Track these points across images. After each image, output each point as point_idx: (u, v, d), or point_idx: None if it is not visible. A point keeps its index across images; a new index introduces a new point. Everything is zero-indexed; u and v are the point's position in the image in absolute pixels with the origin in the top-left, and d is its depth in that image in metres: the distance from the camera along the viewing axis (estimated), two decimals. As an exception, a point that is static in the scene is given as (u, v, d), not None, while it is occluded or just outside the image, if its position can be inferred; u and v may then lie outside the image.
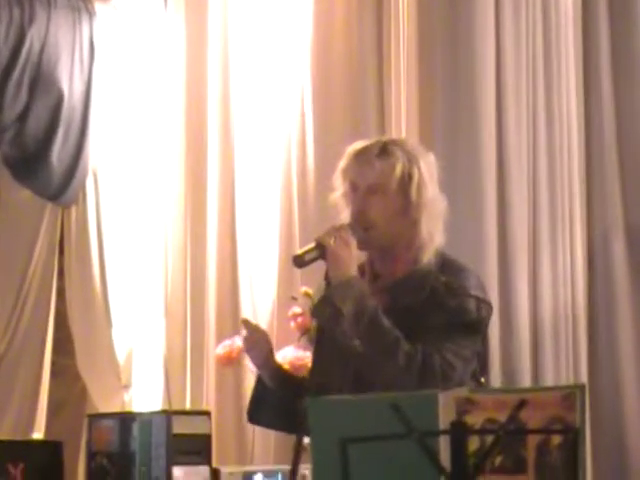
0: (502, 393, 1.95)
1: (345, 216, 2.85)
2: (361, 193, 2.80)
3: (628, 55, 4.21)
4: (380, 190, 2.78)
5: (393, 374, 2.65)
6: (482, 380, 2.84)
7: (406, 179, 2.78)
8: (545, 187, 4.21)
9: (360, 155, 2.81)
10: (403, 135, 4.34)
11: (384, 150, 2.80)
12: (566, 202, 4.20)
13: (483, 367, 2.86)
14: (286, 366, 4.32)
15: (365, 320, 2.68)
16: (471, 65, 4.20)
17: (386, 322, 2.69)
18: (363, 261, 2.84)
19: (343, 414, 2.01)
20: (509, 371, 4.05)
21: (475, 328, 2.76)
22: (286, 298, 4.69)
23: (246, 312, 4.98)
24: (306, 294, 4.35)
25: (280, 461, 4.41)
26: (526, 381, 4.02)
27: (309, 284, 4.31)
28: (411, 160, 2.79)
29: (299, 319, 4.40)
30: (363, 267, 2.83)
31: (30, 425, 4.94)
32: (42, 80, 5.06)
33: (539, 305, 4.13)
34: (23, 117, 5.05)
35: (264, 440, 4.76)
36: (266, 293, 4.96)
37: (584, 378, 4.03)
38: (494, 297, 3.98)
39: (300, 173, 4.89)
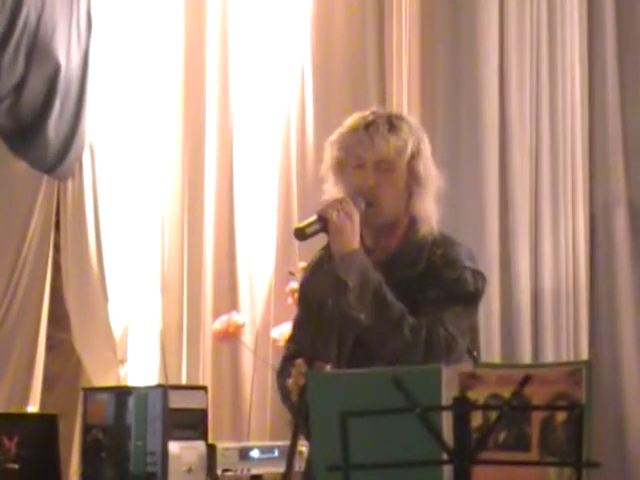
0: (507, 368, 1.92)
1: (331, 187, 2.81)
2: (370, 168, 2.75)
3: (632, 31, 4.19)
4: (391, 167, 2.75)
5: (399, 347, 2.64)
6: (474, 354, 2.82)
7: (415, 155, 2.76)
8: (547, 161, 4.19)
9: (369, 129, 2.75)
10: (405, 109, 4.30)
11: (393, 125, 2.76)
12: (568, 177, 4.18)
13: (474, 341, 2.84)
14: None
15: (369, 293, 2.67)
16: (473, 38, 4.17)
17: (390, 295, 2.68)
18: None
19: (343, 388, 1.98)
20: (509, 347, 4.04)
21: (473, 299, 2.77)
22: (284, 273, 4.66)
23: (243, 287, 4.96)
24: (304, 269, 4.32)
25: (276, 437, 4.40)
26: (526, 357, 4.01)
27: (307, 260, 4.27)
28: (417, 136, 2.77)
29: (297, 295, 4.37)
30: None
31: (25, 398, 4.91)
32: (39, 50, 5.00)
33: (540, 281, 4.11)
34: (19, 87, 4.99)
35: (260, 416, 4.74)
36: (264, 268, 4.93)
37: (584, 354, 4.02)
38: (495, 272, 3.96)
39: (299, 147, 4.86)
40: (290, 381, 2.69)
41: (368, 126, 2.77)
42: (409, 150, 2.75)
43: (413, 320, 2.66)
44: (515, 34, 4.20)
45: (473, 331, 2.83)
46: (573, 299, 4.12)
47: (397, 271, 2.74)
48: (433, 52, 4.29)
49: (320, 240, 2.86)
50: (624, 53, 4.20)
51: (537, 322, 4.10)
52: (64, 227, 5.16)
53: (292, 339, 2.97)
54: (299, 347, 2.84)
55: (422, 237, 2.75)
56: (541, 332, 4.08)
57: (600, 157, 4.21)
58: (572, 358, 3.99)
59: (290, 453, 2.40)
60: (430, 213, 2.77)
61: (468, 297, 2.74)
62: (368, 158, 2.75)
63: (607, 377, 4.02)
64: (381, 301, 2.66)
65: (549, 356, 4.02)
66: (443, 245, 2.76)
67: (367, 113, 2.81)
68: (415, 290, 2.71)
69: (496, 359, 3.87)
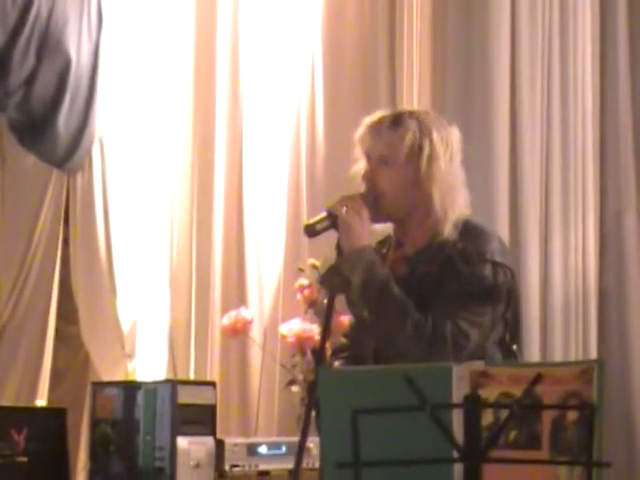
0: (518, 367, 1.91)
1: None
2: (372, 164, 2.78)
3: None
4: (389, 161, 2.75)
5: (402, 343, 2.62)
6: (514, 348, 2.78)
7: (416, 150, 2.74)
8: (558, 165, 4.18)
9: (372, 126, 2.80)
10: (415, 106, 4.29)
11: (396, 121, 2.77)
12: (579, 180, 4.16)
13: (514, 334, 2.78)
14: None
15: (373, 290, 2.66)
16: (485, 33, 4.16)
17: (396, 291, 2.66)
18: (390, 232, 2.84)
19: (354, 385, 1.98)
20: (518, 352, 4.02)
21: (492, 294, 2.69)
22: (293, 269, 4.67)
23: (252, 283, 4.96)
24: (313, 266, 4.33)
25: (283, 433, 4.40)
26: (535, 360, 3.99)
27: (316, 256, 4.28)
28: (423, 131, 2.75)
29: (306, 291, 4.38)
30: (389, 237, 2.83)
31: (33, 392, 4.92)
32: (50, 44, 5.00)
33: (549, 284, 4.10)
34: (30, 81, 5.00)
35: (268, 412, 4.74)
36: (273, 264, 4.93)
37: (593, 356, 4.01)
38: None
39: (309, 143, 4.86)
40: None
41: (373, 124, 2.79)
42: (407, 144, 2.73)
43: (419, 316, 2.63)
44: (527, 33, 4.18)
45: (510, 324, 2.76)
46: (582, 302, 4.11)
47: (419, 267, 2.74)
48: (444, 50, 4.29)
49: (330, 237, 2.86)
50: (637, 57, 4.18)
51: (546, 325, 4.08)
52: (73, 221, 5.16)
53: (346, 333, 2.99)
54: (349, 339, 2.87)
55: (448, 234, 2.73)
56: (550, 335, 4.07)
57: (611, 161, 4.20)
58: (581, 360, 3.98)
59: (299, 450, 2.40)
60: (448, 213, 2.73)
61: (486, 292, 2.67)
62: (371, 154, 2.78)
63: (616, 379, 4.01)
64: (385, 297, 2.65)
65: (558, 359, 4.01)
66: (467, 238, 2.72)
67: (384, 111, 2.83)
68: (434, 286, 2.69)
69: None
